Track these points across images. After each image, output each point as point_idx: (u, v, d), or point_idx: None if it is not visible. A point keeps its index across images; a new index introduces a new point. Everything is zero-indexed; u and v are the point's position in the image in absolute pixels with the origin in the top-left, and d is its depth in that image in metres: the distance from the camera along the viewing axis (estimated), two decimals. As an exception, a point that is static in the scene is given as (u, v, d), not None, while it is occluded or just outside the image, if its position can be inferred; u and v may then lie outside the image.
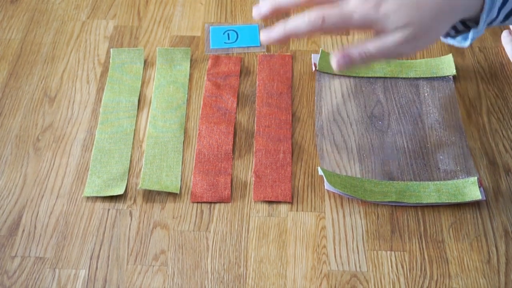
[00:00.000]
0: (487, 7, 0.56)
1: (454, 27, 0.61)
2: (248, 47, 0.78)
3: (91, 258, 0.60)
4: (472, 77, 0.74)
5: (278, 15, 0.57)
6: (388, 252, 0.60)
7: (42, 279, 0.59)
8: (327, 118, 0.70)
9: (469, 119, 0.70)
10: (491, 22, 0.60)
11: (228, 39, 0.79)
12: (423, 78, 0.74)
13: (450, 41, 0.62)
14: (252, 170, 0.66)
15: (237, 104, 0.72)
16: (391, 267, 0.59)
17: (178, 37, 0.79)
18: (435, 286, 0.58)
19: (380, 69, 0.74)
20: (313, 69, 0.75)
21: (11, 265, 0.60)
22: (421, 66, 0.75)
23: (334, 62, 0.55)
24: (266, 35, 0.57)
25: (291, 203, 0.64)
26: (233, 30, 0.80)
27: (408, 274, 0.59)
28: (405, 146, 0.68)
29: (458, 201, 0.63)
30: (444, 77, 0.74)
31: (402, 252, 0.60)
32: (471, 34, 0.58)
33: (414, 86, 0.73)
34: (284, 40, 0.56)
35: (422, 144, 0.68)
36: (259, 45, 0.78)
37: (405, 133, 0.69)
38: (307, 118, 0.70)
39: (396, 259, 0.60)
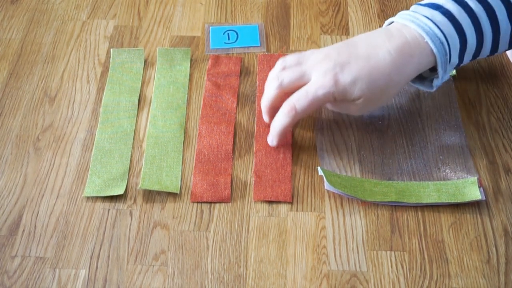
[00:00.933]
0: (440, 62, 0.61)
1: (420, 76, 0.66)
2: (248, 47, 0.78)
3: (91, 258, 0.60)
4: (472, 77, 0.74)
5: (275, 112, 0.65)
6: (388, 252, 0.60)
7: (42, 279, 0.59)
8: (327, 118, 0.70)
9: (468, 119, 0.70)
10: (457, 66, 0.64)
11: (228, 39, 0.79)
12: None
13: (417, 85, 0.67)
14: (252, 170, 0.66)
15: (237, 104, 0.72)
16: (391, 267, 0.59)
17: (178, 37, 0.79)
18: (435, 286, 0.58)
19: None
20: None
21: (11, 265, 0.60)
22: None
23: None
24: (270, 141, 0.67)
25: (291, 203, 0.64)
26: (233, 30, 0.80)
27: (408, 274, 0.59)
28: (405, 146, 0.68)
29: (458, 201, 0.63)
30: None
31: (402, 252, 0.60)
32: (434, 82, 0.64)
33: (414, 87, 0.73)
34: (283, 137, 0.66)
35: (422, 144, 0.68)
36: (259, 45, 0.78)
37: (405, 133, 0.69)
38: (307, 118, 0.71)
39: (396, 259, 0.60)
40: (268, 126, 0.69)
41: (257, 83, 0.74)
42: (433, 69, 0.64)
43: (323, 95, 0.61)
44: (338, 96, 0.61)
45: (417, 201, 0.63)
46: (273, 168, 0.66)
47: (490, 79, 0.74)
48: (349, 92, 0.61)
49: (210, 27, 0.80)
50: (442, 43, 0.60)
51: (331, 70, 0.61)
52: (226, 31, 0.79)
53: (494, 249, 0.60)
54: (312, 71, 0.62)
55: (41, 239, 0.61)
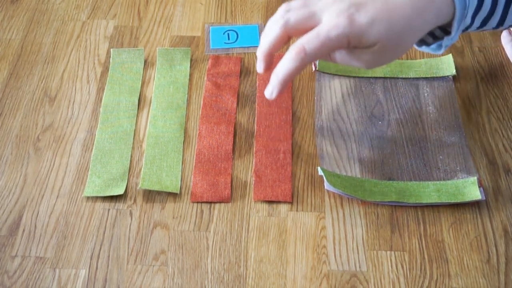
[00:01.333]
0: (458, 15, 0.56)
1: (431, 34, 0.61)
2: (248, 47, 0.78)
3: (91, 258, 0.60)
4: (472, 77, 0.74)
5: (273, 61, 0.58)
6: (388, 252, 0.60)
7: (42, 279, 0.59)
8: (327, 118, 0.70)
9: (468, 119, 0.70)
10: (466, 29, 0.60)
11: (228, 39, 0.79)
12: (423, 78, 0.74)
13: (424, 49, 0.62)
14: (252, 170, 0.66)
15: (237, 104, 0.72)
16: (391, 267, 0.59)
17: (178, 37, 0.79)
18: (435, 286, 0.58)
19: (380, 69, 0.74)
20: (313, 69, 0.75)
21: (12, 265, 0.60)
22: (420, 66, 0.75)
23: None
24: (269, 93, 0.57)
25: (291, 203, 0.64)
26: (233, 30, 0.80)
27: (408, 274, 0.59)
28: (405, 146, 0.68)
29: (458, 201, 0.63)
30: (444, 77, 0.74)
31: (402, 252, 0.60)
32: (444, 42, 0.59)
33: (414, 86, 0.73)
34: (285, 87, 0.56)
35: (422, 144, 0.68)
36: (259, 45, 0.78)
37: (405, 133, 0.69)
38: (307, 118, 0.71)
39: (396, 259, 0.60)
40: (268, 125, 0.69)
41: (257, 83, 0.74)
42: (439, 37, 0.60)
43: (336, 36, 0.53)
44: (352, 39, 0.54)
45: (417, 201, 0.63)
46: (273, 168, 0.66)
47: (490, 79, 0.74)
48: (365, 35, 0.54)
49: (210, 27, 0.80)
50: None
51: (346, 10, 0.54)
52: (226, 31, 0.79)
53: (494, 249, 0.60)
54: (324, 12, 0.55)
55: (41, 239, 0.61)
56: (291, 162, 0.67)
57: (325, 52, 0.55)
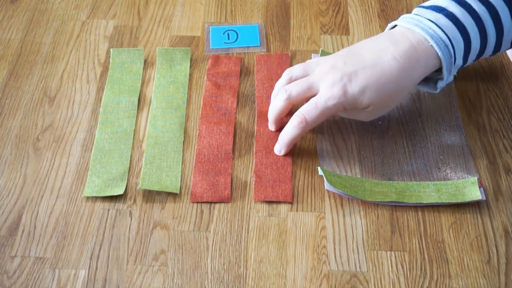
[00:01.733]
0: (445, 65, 0.61)
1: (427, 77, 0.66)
2: (248, 47, 0.78)
3: (91, 258, 0.60)
4: (472, 77, 0.74)
5: (281, 122, 0.68)
6: (388, 252, 0.60)
7: (42, 279, 0.59)
8: (328, 118, 0.70)
9: (469, 119, 0.70)
10: (462, 66, 0.65)
11: (228, 39, 0.79)
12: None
13: (422, 88, 0.67)
14: (253, 170, 0.66)
15: (237, 104, 0.72)
16: (391, 267, 0.59)
17: (178, 37, 0.79)
18: (435, 286, 0.58)
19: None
20: None
21: (11, 265, 0.60)
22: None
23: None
24: (278, 151, 0.67)
25: (291, 203, 0.64)
26: (233, 30, 0.80)
27: (408, 274, 0.59)
28: (405, 146, 0.68)
29: (458, 201, 0.63)
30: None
31: (402, 252, 0.60)
32: (438, 84, 0.65)
33: (414, 87, 0.73)
34: (291, 147, 0.66)
35: (422, 144, 0.68)
36: (259, 45, 0.78)
37: (405, 133, 0.69)
38: (307, 118, 0.70)
39: (396, 259, 0.60)
40: (267, 125, 0.69)
41: (255, 83, 0.74)
42: (437, 70, 0.64)
43: (333, 105, 0.62)
44: (348, 106, 0.62)
45: (417, 201, 0.63)
46: (273, 168, 0.66)
47: (490, 79, 0.74)
48: (358, 101, 0.62)
49: (210, 27, 0.80)
50: (447, 46, 0.61)
51: (339, 81, 0.61)
52: (226, 31, 0.79)
53: (494, 249, 0.60)
54: (320, 83, 0.63)
55: (40, 239, 0.61)
56: (292, 162, 0.67)
57: (324, 118, 0.63)
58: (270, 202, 0.64)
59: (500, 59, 0.76)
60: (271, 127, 0.69)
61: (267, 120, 0.70)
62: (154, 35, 0.79)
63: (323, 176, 0.63)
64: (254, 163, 0.66)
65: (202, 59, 0.76)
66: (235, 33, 0.79)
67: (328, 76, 0.62)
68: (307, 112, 0.63)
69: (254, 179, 0.65)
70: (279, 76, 0.72)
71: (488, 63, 0.75)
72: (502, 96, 0.72)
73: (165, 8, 0.83)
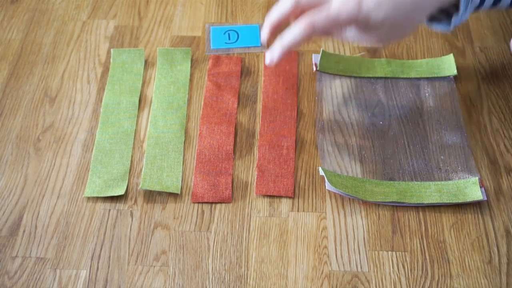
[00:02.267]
0: None
1: (444, 11, 0.62)
2: (248, 47, 0.78)
3: (92, 259, 0.60)
4: (473, 77, 0.74)
5: (278, 31, 0.61)
6: (389, 252, 0.60)
7: (43, 280, 0.59)
8: (328, 118, 0.70)
9: (470, 119, 0.70)
10: (478, 7, 0.62)
11: (229, 39, 0.79)
12: (424, 78, 0.74)
13: (434, 26, 0.64)
14: (255, 164, 0.66)
15: (238, 104, 0.72)
16: (392, 267, 0.59)
17: (178, 37, 0.79)
18: (436, 286, 0.58)
19: (381, 69, 0.74)
20: (314, 69, 0.74)
21: (12, 266, 0.60)
22: (422, 66, 0.75)
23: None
24: (269, 57, 0.61)
25: (292, 202, 0.64)
26: (233, 30, 0.80)
27: (410, 274, 0.59)
28: (406, 146, 0.68)
29: (459, 202, 0.63)
30: (445, 77, 0.74)
31: (403, 252, 0.60)
32: (453, 20, 0.61)
33: (415, 86, 0.73)
34: (286, 54, 0.60)
35: (423, 144, 0.68)
36: (259, 45, 0.78)
37: (406, 133, 0.69)
38: (308, 118, 0.70)
39: (397, 259, 0.60)
40: (272, 121, 0.69)
41: (262, 79, 0.73)
42: (450, 13, 0.62)
43: (345, 19, 0.58)
44: (361, 21, 0.58)
45: (418, 202, 0.63)
46: (276, 163, 0.66)
47: (491, 79, 0.74)
48: (373, 16, 0.58)
49: (211, 27, 0.80)
50: None
51: None
52: (226, 31, 0.79)
53: (495, 249, 0.60)
54: None
55: (41, 240, 0.61)
56: (294, 158, 0.67)
57: (331, 31, 0.60)
58: (271, 202, 0.64)
59: (502, 59, 0.76)
60: (265, 33, 0.62)
61: (272, 115, 0.70)
62: (154, 35, 0.79)
63: (324, 176, 0.63)
64: (257, 157, 0.66)
65: (202, 59, 0.76)
66: (235, 33, 0.79)
67: None
68: (317, 19, 0.58)
69: (256, 173, 0.65)
70: (286, 72, 0.72)
71: (490, 63, 0.75)
72: (503, 96, 0.72)
73: (165, 8, 0.83)
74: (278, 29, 0.61)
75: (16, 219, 0.63)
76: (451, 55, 0.75)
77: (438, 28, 0.64)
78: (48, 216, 0.63)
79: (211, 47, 0.78)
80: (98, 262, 0.60)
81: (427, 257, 0.60)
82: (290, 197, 0.64)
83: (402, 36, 0.63)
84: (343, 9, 0.58)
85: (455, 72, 0.73)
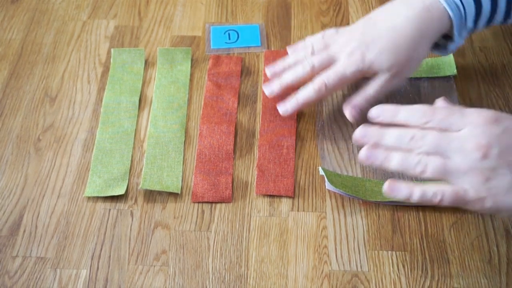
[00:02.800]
0: (456, 24, 0.63)
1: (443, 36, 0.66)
2: (248, 47, 0.78)
3: (92, 258, 0.60)
4: (473, 77, 0.74)
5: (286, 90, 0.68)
6: (389, 252, 0.60)
7: (43, 279, 0.59)
8: (328, 118, 0.70)
9: (470, 119, 0.70)
10: (472, 31, 0.66)
11: (229, 39, 0.79)
12: (424, 78, 0.74)
13: (433, 51, 0.68)
14: (255, 164, 0.66)
15: (238, 104, 0.72)
16: (392, 267, 0.59)
17: (178, 37, 0.79)
18: (436, 286, 0.58)
19: None
20: None
21: (12, 265, 0.60)
22: (421, 66, 0.75)
23: (348, 116, 0.66)
24: (284, 110, 0.68)
25: (292, 202, 0.64)
26: (233, 30, 0.80)
27: (409, 274, 0.59)
28: None
29: None
30: (445, 77, 0.74)
31: (403, 252, 0.60)
32: (449, 46, 0.66)
33: (415, 86, 0.73)
34: (298, 110, 0.68)
35: None
36: (259, 45, 0.78)
37: None
38: (308, 118, 0.70)
39: (397, 259, 0.60)
40: (272, 120, 0.69)
41: (263, 79, 0.74)
42: (448, 38, 0.66)
43: (351, 73, 0.64)
44: (366, 71, 0.64)
45: None
46: (276, 163, 0.66)
47: (491, 79, 0.74)
48: (377, 65, 0.64)
49: (211, 27, 0.80)
50: (458, 7, 0.62)
51: (357, 49, 0.64)
52: (226, 31, 0.79)
53: (495, 249, 0.60)
54: (340, 53, 0.65)
55: (42, 240, 0.61)
56: (294, 157, 0.67)
57: (342, 86, 0.67)
58: (271, 202, 0.64)
59: (501, 58, 0.76)
60: (275, 89, 0.69)
61: (272, 115, 0.70)
62: (155, 35, 0.79)
63: (324, 176, 0.63)
64: (257, 157, 0.67)
65: (203, 59, 0.76)
66: (236, 33, 0.79)
67: (347, 47, 0.65)
68: (327, 78, 0.65)
69: (256, 173, 0.65)
70: None
71: (489, 63, 0.75)
72: (503, 96, 0.72)
73: (166, 8, 0.83)
74: (292, 89, 0.68)
75: (16, 218, 0.63)
76: (451, 55, 0.75)
77: (436, 52, 0.68)
78: (49, 215, 0.63)
79: (211, 47, 0.78)
80: (98, 262, 0.60)
81: (427, 256, 0.60)
82: (290, 197, 0.64)
83: (407, 76, 0.67)
84: (348, 64, 0.64)
85: (454, 71, 0.74)
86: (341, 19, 0.81)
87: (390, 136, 0.54)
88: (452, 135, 0.51)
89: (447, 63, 0.75)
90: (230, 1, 0.83)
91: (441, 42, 0.66)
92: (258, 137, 0.69)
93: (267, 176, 0.65)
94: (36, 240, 0.61)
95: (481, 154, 0.50)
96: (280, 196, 0.64)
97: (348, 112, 0.66)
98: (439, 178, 0.52)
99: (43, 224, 0.62)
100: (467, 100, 0.72)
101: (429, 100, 0.72)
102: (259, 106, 0.72)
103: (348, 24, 0.80)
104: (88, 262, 0.60)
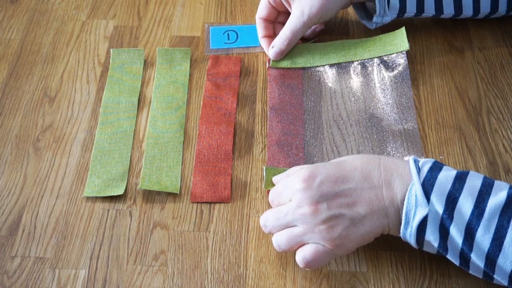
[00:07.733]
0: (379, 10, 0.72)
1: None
2: (248, 47, 0.78)
3: (91, 258, 0.60)
4: (472, 77, 0.74)
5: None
6: (388, 252, 0.60)
7: (42, 279, 0.59)
8: (328, 118, 0.70)
9: (468, 119, 0.70)
10: (400, 15, 0.74)
11: (228, 39, 0.79)
12: (377, 58, 0.74)
13: (363, 21, 0.77)
14: (265, 164, 0.66)
15: (237, 104, 0.72)
16: (391, 267, 0.59)
17: (178, 37, 0.79)
18: (435, 286, 0.58)
19: (333, 54, 0.74)
20: (267, 65, 0.75)
21: (11, 265, 0.60)
22: (375, 44, 0.74)
23: (272, 56, 0.75)
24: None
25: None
26: (233, 31, 0.80)
27: (408, 274, 0.59)
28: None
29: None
30: (398, 53, 0.73)
31: (401, 252, 0.60)
32: (373, 19, 0.74)
33: (367, 68, 0.74)
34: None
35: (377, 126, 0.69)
36: (259, 45, 0.78)
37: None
38: (312, 115, 0.70)
39: (395, 259, 0.60)
40: (279, 121, 0.69)
41: (268, 78, 0.73)
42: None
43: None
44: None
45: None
46: (286, 163, 0.66)
47: (490, 79, 0.74)
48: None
49: (210, 27, 0.80)
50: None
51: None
52: (226, 31, 0.79)
53: (494, 249, 0.60)
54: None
55: (40, 239, 0.61)
56: (304, 158, 0.66)
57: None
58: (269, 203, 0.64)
59: (500, 59, 0.76)
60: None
61: (278, 115, 0.69)
62: (154, 35, 0.79)
63: (264, 176, 0.62)
64: (267, 157, 0.66)
65: (202, 59, 0.76)
66: (235, 33, 0.79)
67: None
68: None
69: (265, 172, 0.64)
70: (292, 73, 0.73)
71: (488, 63, 0.75)
72: (502, 96, 0.72)
73: (165, 8, 0.83)
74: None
75: (15, 218, 0.63)
76: (403, 28, 0.74)
77: (365, 22, 0.76)
78: (47, 215, 0.63)
79: (211, 47, 0.78)
80: (97, 262, 0.60)
81: (426, 256, 0.60)
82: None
83: (328, 17, 0.74)
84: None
85: (407, 46, 0.73)
86: (340, 19, 0.81)
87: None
88: (287, 208, 0.55)
89: (399, 38, 0.74)
90: (229, 1, 0.83)
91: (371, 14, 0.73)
92: (267, 137, 0.68)
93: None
94: (35, 240, 0.61)
95: (312, 212, 0.53)
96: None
97: (272, 52, 0.73)
98: (296, 245, 0.56)
99: (42, 224, 0.62)
100: (466, 100, 0.72)
101: (430, 101, 0.72)
102: (259, 106, 0.72)
103: (346, 24, 0.80)
104: (87, 262, 0.60)
